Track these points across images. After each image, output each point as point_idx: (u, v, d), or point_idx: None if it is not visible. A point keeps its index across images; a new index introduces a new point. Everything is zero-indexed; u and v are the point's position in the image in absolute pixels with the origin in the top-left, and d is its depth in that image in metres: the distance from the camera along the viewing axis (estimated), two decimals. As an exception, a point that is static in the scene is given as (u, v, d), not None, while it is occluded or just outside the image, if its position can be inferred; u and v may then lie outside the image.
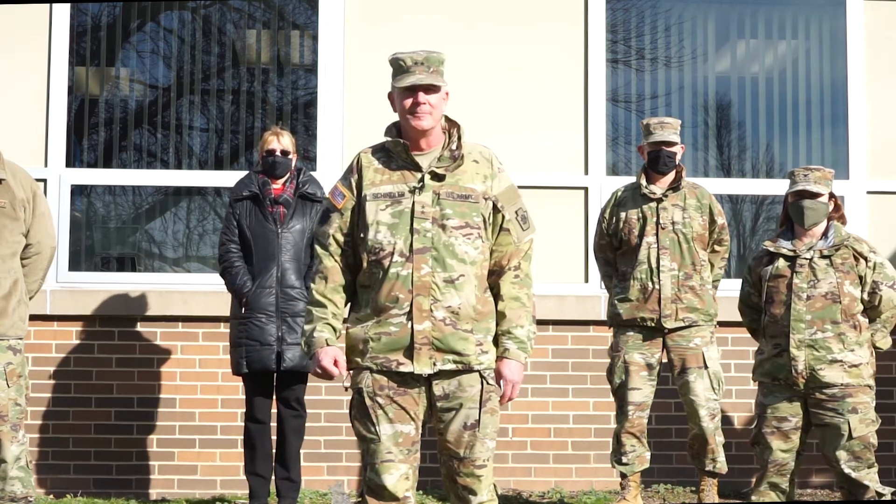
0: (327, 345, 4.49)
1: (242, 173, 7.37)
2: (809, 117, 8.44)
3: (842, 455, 5.66)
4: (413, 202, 4.48)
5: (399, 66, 4.53)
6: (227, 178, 7.83)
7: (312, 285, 4.59)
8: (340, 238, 4.57)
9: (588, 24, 8.20)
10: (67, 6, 7.99)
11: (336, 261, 4.58)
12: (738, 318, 6.19)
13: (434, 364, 4.43)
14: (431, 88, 4.50)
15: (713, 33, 8.49)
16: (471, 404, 4.47)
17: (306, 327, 4.57)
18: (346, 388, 4.58)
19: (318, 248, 4.63)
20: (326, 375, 4.49)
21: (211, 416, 7.74)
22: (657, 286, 6.82)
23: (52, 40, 7.99)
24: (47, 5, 7.98)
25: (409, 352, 4.43)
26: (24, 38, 8.00)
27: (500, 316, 4.56)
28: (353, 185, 4.58)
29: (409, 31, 7.77)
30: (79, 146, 8.12)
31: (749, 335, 6.22)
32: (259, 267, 6.94)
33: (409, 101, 4.50)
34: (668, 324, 6.82)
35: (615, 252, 7.05)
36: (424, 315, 4.43)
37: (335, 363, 4.48)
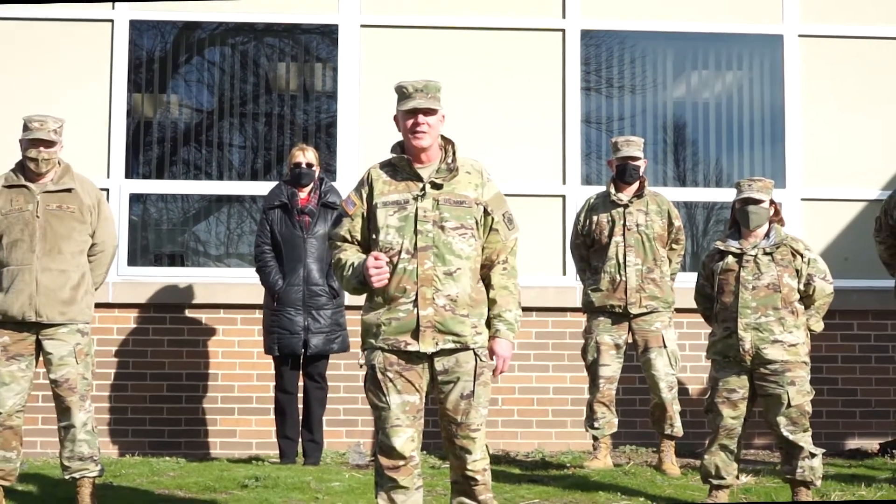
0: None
1: (274, 183, 7.36)
2: (752, 136, 8.43)
3: (781, 420, 5.64)
4: (416, 208, 4.52)
5: (402, 93, 4.56)
6: (261, 188, 7.81)
7: (338, 256, 4.58)
8: (349, 238, 4.62)
9: (565, 58, 8.19)
10: (126, 43, 7.96)
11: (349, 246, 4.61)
12: (693, 306, 6.16)
13: (436, 344, 4.46)
14: (429, 111, 4.53)
15: (671, 65, 8.47)
16: (466, 378, 4.49)
17: (351, 263, 4.52)
18: (361, 365, 4.62)
19: (332, 244, 4.66)
20: (375, 273, 4.41)
21: (247, 388, 7.73)
22: (624, 278, 6.83)
23: (113, 72, 7.99)
24: (108, 42, 7.96)
25: (416, 333, 4.46)
26: (89, 70, 7.99)
27: (492, 302, 4.59)
28: (364, 195, 4.61)
29: (415, 64, 7.74)
30: (136, 160, 8.10)
31: (702, 320, 6.19)
32: (288, 267, 6.96)
33: (410, 122, 4.53)
34: (634, 310, 6.83)
35: (588, 250, 7.05)
36: (428, 302, 4.45)
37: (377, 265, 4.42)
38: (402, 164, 4.58)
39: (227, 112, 8.31)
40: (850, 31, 8.38)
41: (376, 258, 4.43)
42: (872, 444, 7.77)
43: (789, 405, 5.62)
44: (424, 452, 6.69)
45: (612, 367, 6.87)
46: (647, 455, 7.46)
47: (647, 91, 8.43)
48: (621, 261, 6.85)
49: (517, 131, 8.14)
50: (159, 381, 7.74)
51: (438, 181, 4.54)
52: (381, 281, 4.43)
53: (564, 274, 8.00)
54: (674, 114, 8.48)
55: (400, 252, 4.47)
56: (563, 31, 8.22)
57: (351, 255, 4.57)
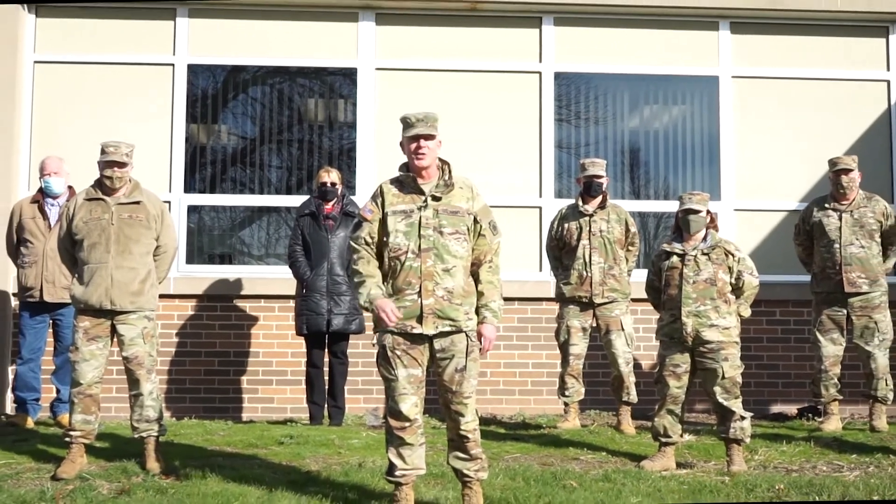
0: (383, 297, 4.46)
1: (305, 198, 7.37)
2: (693, 158, 8.42)
3: (717, 390, 5.64)
4: (420, 216, 4.51)
5: (406, 122, 4.57)
6: (295, 201, 7.82)
7: (356, 268, 4.59)
8: (369, 240, 4.61)
9: (542, 95, 8.20)
10: (185, 83, 7.97)
11: (368, 252, 4.59)
12: (645, 297, 6.16)
13: (436, 327, 4.47)
14: (429, 137, 4.52)
15: (627, 101, 8.47)
16: (460, 355, 4.49)
17: (363, 290, 4.50)
18: (374, 345, 4.61)
19: (354, 245, 4.64)
20: (389, 318, 4.40)
21: (283, 363, 7.73)
22: (589, 274, 6.83)
23: (174, 106, 7.99)
24: (170, 82, 7.97)
25: (420, 319, 4.46)
26: (154, 105, 8.00)
27: (480, 294, 4.59)
28: (378, 205, 4.59)
29: (419, 100, 7.71)
30: (193, 178, 8.09)
31: (652, 308, 6.19)
32: (315, 261, 6.97)
33: (413, 146, 4.52)
34: (597, 300, 6.83)
35: (560, 251, 7.04)
36: (429, 294, 4.45)
37: (393, 311, 4.41)
38: (408, 180, 4.59)
39: (266, 139, 8.31)
40: (774, 73, 8.39)
41: (392, 312, 4.41)
42: (791, 409, 7.78)
43: (723, 377, 5.62)
44: (426, 416, 6.70)
45: (579, 346, 6.87)
46: (608, 418, 7.46)
47: (608, 122, 8.43)
48: (587, 260, 6.85)
49: (502, 154, 8.14)
50: (212, 357, 7.74)
51: (437, 194, 4.55)
52: (390, 322, 4.41)
53: (541, 270, 8.00)
54: (630, 140, 8.48)
55: (406, 252, 4.48)
56: (540, 73, 8.22)
57: (369, 276, 4.51)
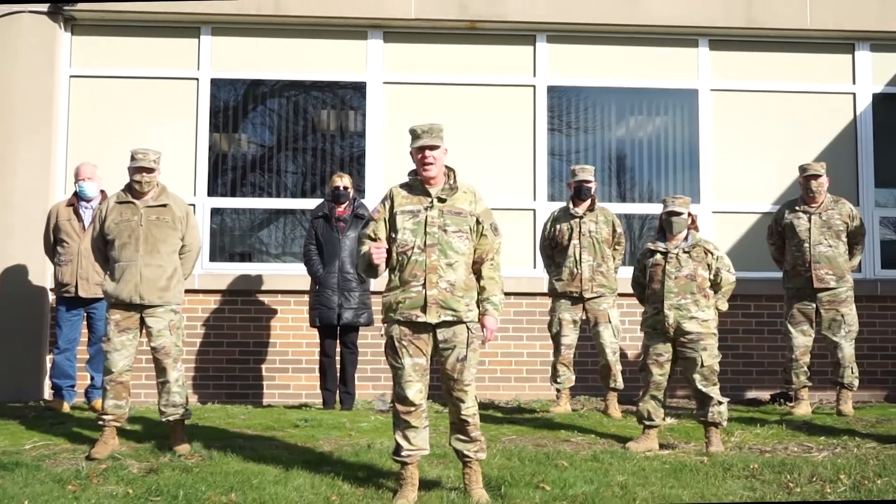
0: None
1: (319, 201, 7.36)
2: (675, 164, 8.41)
3: (696, 377, 5.64)
4: (426, 216, 4.53)
5: (414, 133, 4.59)
6: (309, 204, 7.81)
7: (360, 248, 4.60)
8: (373, 235, 4.63)
9: (536, 106, 8.19)
10: (208, 95, 7.96)
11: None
12: (631, 291, 6.16)
13: (439, 316, 4.48)
14: (434, 147, 4.51)
15: (614, 111, 8.45)
16: (461, 346, 4.50)
17: (362, 253, 4.55)
18: (382, 335, 4.61)
19: (360, 240, 4.67)
20: (375, 251, 4.45)
21: (298, 352, 7.72)
22: (579, 271, 6.82)
23: (198, 116, 7.99)
24: (195, 95, 7.97)
25: (424, 308, 4.47)
26: (180, 115, 8.00)
27: (482, 289, 4.61)
28: (386, 206, 4.62)
29: (424, 111, 7.75)
30: (215, 183, 8.08)
31: (637, 302, 6.19)
32: (327, 260, 6.97)
33: (420, 156, 4.53)
34: (587, 294, 6.83)
35: (553, 250, 7.04)
36: (433, 285, 4.47)
37: (378, 249, 4.47)
38: (416, 184, 4.62)
39: (283, 146, 8.30)
40: (749, 87, 8.39)
41: (377, 246, 4.47)
42: (765, 395, 7.78)
43: (702, 365, 5.62)
44: (430, 401, 6.68)
45: (570, 337, 6.87)
46: (596, 403, 7.45)
47: (597, 131, 8.42)
48: (577, 258, 6.85)
49: (499, 161, 8.13)
50: (233, 347, 7.74)
51: (443, 196, 4.57)
52: (379, 258, 4.46)
53: (535, 267, 8.00)
54: (616, 148, 8.47)
55: (413, 248, 4.49)
56: (534, 86, 8.22)
57: (365, 248, 4.57)
